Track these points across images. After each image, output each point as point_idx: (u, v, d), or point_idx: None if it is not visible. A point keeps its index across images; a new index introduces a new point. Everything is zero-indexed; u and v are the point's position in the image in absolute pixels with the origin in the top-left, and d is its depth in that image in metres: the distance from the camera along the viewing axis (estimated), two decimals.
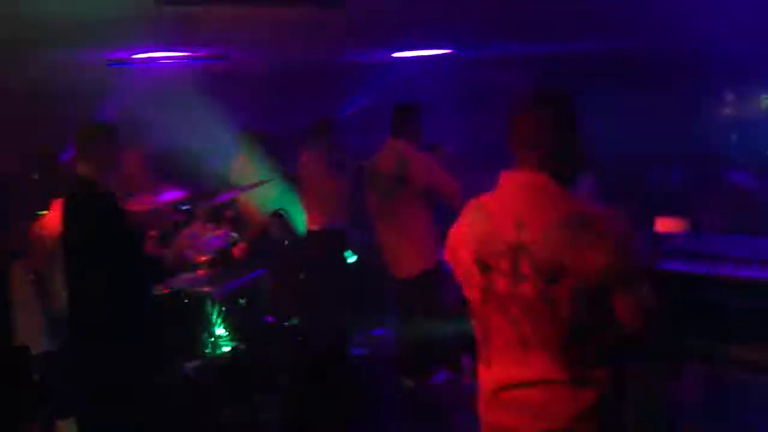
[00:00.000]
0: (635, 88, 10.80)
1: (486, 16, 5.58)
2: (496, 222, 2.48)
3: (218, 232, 6.02)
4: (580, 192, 2.65)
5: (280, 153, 7.38)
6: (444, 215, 5.58)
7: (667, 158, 8.60)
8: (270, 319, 6.18)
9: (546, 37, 7.59)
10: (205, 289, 5.52)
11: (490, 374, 2.64)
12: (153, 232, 5.39)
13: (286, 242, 6.80)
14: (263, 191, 6.66)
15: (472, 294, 2.60)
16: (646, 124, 10.18)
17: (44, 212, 5.03)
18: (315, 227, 7.07)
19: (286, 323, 6.32)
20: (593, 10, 5.62)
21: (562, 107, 2.52)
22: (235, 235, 6.10)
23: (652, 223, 3.42)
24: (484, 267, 2.49)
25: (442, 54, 8.37)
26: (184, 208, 6.11)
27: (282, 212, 7.07)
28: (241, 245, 5.94)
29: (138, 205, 5.24)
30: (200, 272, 5.67)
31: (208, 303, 5.51)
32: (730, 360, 3.13)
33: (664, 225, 3.39)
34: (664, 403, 4.00)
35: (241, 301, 5.80)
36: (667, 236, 3.37)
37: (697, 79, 12.16)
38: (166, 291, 5.28)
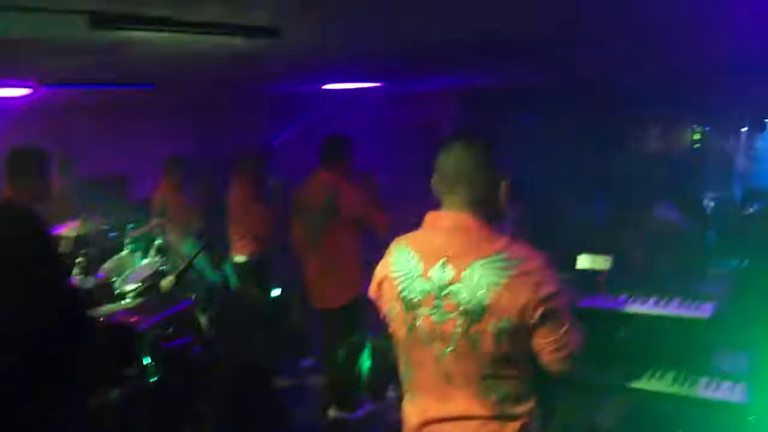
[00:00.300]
0: (558, 121, 11.02)
1: (415, 53, 5.64)
2: (421, 260, 2.52)
3: (146, 261, 5.96)
4: (509, 221, 2.72)
5: (209, 180, 7.36)
6: (370, 244, 5.67)
7: (591, 193, 8.76)
8: (197, 349, 6.12)
9: (473, 72, 7.70)
10: (132, 318, 5.44)
11: (413, 408, 2.68)
12: (79, 259, 5.32)
13: (216, 275, 6.77)
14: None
15: (396, 329, 2.64)
16: (571, 158, 10.37)
17: None
18: (240, 257, 7.06)
19: (213, 354, 6.26)
20: (519, 45, 5.73)
21: (487, 149, 2.56)
22: (161, 264, 6.04)
23: (574, 261, 3.50)
24: (409, 304, 2.53)
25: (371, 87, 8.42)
26: (111, 235, 6.04)
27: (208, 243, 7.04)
28: (169, 277, 5.89)
29: (64, 231, 5.18)
30: (127, 301, 5.60)
31: (135, 333, 5.43)
32: (651, 392, 3.21)
33: (585, 262, 3.48)
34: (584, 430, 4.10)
35: (169, 331, 5.73)
36: (589, 273, 3.46)
37: (623, 113, 12.47)
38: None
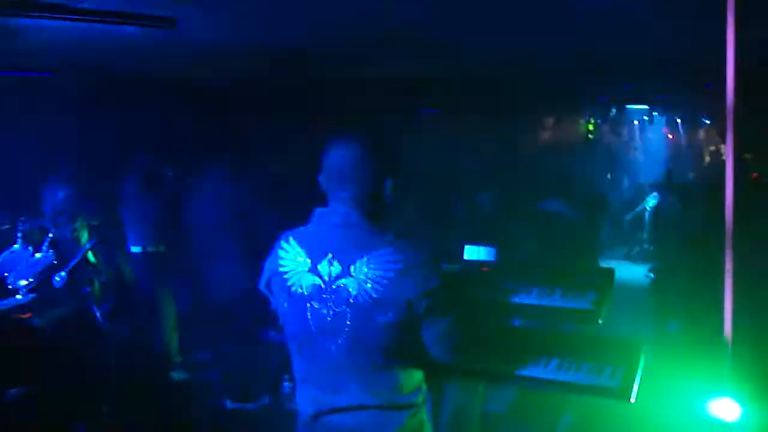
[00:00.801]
0: (452, 115, 11.16)
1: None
2: (309, 255, 2.57)
3: (38, 255, 5.85)
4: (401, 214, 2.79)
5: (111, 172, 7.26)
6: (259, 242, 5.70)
7: (480, 185, 8.93)
8: (93, 344, 6.04)
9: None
10: (25, 314, 5.35)
11: (307, 400, 2.72)
12: None
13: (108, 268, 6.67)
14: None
15: (287, 323, 2.67)
16: (461, 151, 10.53)
17: None
18: (136, 248, 7.00)
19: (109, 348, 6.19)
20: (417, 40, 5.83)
21: (375, 144, 2.60)
22: (54, 259, 5.93)
23: (461, 251, 3.58)
24: (299, 299, 2.57)
25: None
26: (4, 228, 5.92)
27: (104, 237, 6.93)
28: (61, 272, 5.79)
29: None
30: (19, 297, 5.50)
31: (29, 329, 5.34)
32: (538, 379, 3.33)
33: (472, 253, 3.56)
34: (474, 421, 4.22)
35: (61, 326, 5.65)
36: (476, 264, 3.55)
37: (514, 106, 12.69)
38: None
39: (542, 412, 4.46)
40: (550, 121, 17.19)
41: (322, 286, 2.53)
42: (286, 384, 6.03)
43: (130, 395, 5.78)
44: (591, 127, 18.21)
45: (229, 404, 6.15)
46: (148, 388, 6.02)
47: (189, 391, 6.52)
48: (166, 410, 5.92)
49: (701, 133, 19.05)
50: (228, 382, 6.28)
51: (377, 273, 2.45)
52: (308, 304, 2.56)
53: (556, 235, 6.65)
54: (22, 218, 5.91)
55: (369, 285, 2.45)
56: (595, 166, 16.28)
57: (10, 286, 5.45)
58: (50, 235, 5.94)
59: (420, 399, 2.66)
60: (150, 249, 6.95)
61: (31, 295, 5.50)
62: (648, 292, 9.98)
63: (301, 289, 2.57)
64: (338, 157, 2.58)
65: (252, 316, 5.95)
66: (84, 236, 6.30)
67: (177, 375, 6.79)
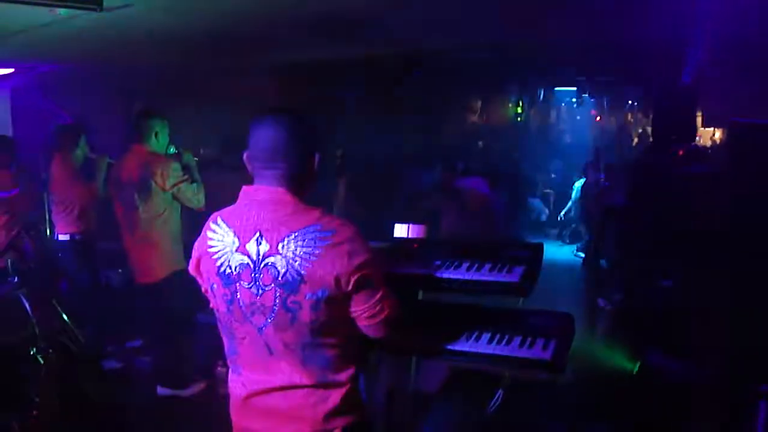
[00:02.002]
0: (386, 93, 11.17)
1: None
2: (237, 235, 2.55)
3: None
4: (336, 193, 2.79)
5: (25, 158, 7.10)
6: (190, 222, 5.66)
7: (413, 164, 8.97)
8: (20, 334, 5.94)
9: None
10: None
11: (239, 381, 2.73)
12: None
13: (37, 256, 6.55)
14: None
15: (217, 305, 2.66)
16: (394, 131, 10.55)
17: None
18: (64, 236, 6.87)
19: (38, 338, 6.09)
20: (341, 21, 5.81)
21: (301, 122, 2.61)
22: None
23: (391, 229, 3.60)
24: (228, 279, 2.56)
25: None
26: None
27: (32, 224, 6.81)
28: None
29: None
30: None
31: None
32: (470, 354, 3.35)
33: (402, 230, 3.58)
34: (407, 400, 4.25)
35: None
36: (406, 241, 3.57)
37: (447, 86, 12.77)
38: None
39: (475, 390, 4.50)
40: (477, 103, 17.32)
41: (251, 265, 2.52)
42: (219, 369, 6.00)
43: (60, 386, 5.70)
44: (519, 110, 18.42)
45: (160, 391, 6.10)
46: (80, 379, 5.93)
47: (121, 380, 6.44)
48: (98, 400, 5.84)
49: (628, 116, 19.42)
50: (159, 368, 6.21)
51: (305, 250, 2.45)
52: (237, 284, 2.55)
53: (476, 212, 6.74)
54: None
55: (297, 262, 2.45)
56: (523, 147, 16.47)
57: None
58: None
59: (352, 377, 2.67)
60: (77, 236, 6.85)
61: None
62: (578, 270, 10.16)
63: (230, 269, 2.56)
64: (264, 135, 2.57)
65: (182, 301, 5.88)
66: (11, 225, 6.20)
67: (109, 364, 6.70)
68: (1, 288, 5.62)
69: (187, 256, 2.85)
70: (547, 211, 15.13)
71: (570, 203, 14.29)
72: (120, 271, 7.58)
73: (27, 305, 5.64)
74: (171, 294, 5.89)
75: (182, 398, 6.10)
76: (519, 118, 18.51)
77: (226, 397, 2.85)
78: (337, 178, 6.99)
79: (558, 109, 19.90)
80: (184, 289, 5.70)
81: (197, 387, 6.19)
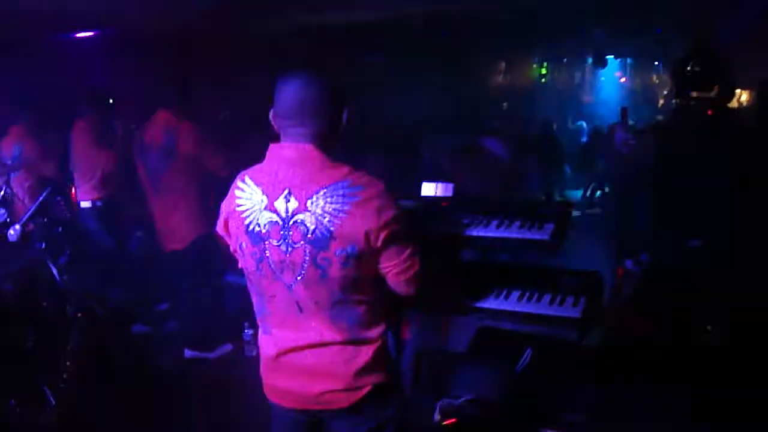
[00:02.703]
0: (407, 56, 11.10)
1: None
2: (265, 193, 2.54)
3: None
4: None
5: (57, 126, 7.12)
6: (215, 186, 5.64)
7: (437, 125, 8.91)
8: (49, 299, 5.97)
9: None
10: None
11: (269, 340, 2.73)
12: None
13: (64, 221, 6.56)
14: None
15: (246, 264, 2.66)
16: (419, 92, 10.49)
17: None
18: (87, 202, 6.89)
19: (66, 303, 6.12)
20: None
21: (327, 81, 2.59)
22: (7, 215, 5.82)
23: (419, 189, 3.58)
24: (257, 237, 2.56)
25: None
26: None
27: (58, 189, 6.81)
28: (15, 225, 5.68)
29: None
30: None
31: None
32: (499, 311, 3.34)
33: (429, 189, 3.56)
34: (437, 353, 4.25)
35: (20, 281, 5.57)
36: (434, 200, 3.55)
37: (469, 48, 12.67)
38: None
39: (503, 349, 4.48)
40: (501, 64, 17.21)
41: (280, 222, 2.51)
42: (247, 331, 6.03)
43: (90, 351, 5.74)
44: (543, 71, 18.28)
45: (188, 353, 6.14)
46: (109, 343, 5.97)
47: (148, 344, 6.49)
48: (126, 363, 5.88)
49: (653, 77, 19.22)
50: (186, 331, 6.24)
51: (334, 206, 2.44)
52: (267, 242, 2.54)
53: (493, 172, 6.69)
54: None
55: (326, 219, 2.44)
56: (548, 109, 16.36)
57: None
58: (1, 192, 5.82)
59: (382, 335, 2.67)
60: (99, 203, 6.86)
61: None
62: (606, 231, 10.07)
63: (259, 227, 2.55)
64: (290, 93, 2.56)
65: (209, 263, 5.90)
66: (38, 191, 6.20)
67: (137, 328, 6.74)
68: (28, 253, 5.64)
69: (212, 218, 2.84)
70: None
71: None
72: (139, 234, 7.58)
73: (54, 270, 5.66)
74: (197, 258, 5.92)
75: (210, 360, 6.14)
76: (543, 80, 18.37)
77: (253, 358, 2.86)
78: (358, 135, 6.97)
79: (582, 70, 19.70)
80: (210, 252, 5.74)
81: (224, 349, 6.23)
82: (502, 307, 3.25)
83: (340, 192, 2.45)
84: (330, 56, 9.37)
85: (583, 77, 19.97)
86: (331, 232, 2.44)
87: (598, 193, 13.76)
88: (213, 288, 6.04)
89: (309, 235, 2.46)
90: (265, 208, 2.53)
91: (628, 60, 18.43)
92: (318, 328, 2.60)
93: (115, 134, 6.84)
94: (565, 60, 18.46)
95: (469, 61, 13.81)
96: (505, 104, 16.10)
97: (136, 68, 8.47)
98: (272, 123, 2.63)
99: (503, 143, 7.40)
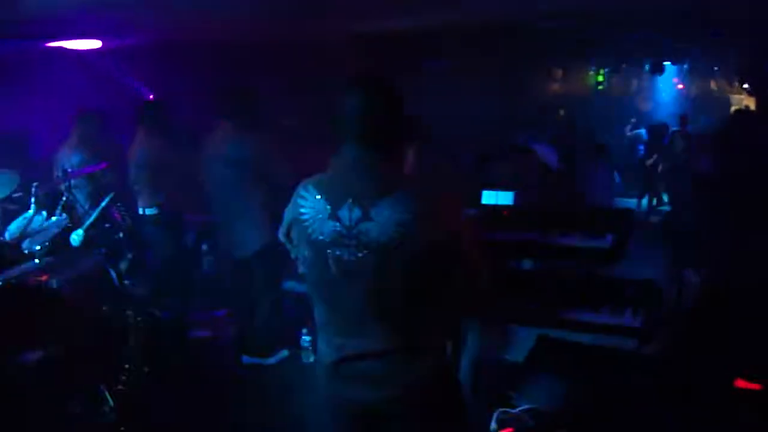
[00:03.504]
0: (466, 63, 11.07)
1: None
2: (329, 201, 2.56)
3: (53, 218, 5.85)
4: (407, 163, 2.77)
5: (116, 133, 7.22)
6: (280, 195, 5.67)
7: (494, 131, 8.90)
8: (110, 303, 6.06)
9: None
10: (42, 277, 5.36)
11: (329, 347, 2.74)
12: None
13: (125, 227, 6.65)
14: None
15: (308, 271, 2.67)
16: (471, 98, 10.46)
17: None
18: (150, 209, 6.97)
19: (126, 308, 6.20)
20: None
21: (390, 88, 2.60)
22: (69, 221, 5.92)
23: (479, 197, 3.58)
24: (320, 245, 2.57)
25: None
26: (16, 195, 5.91)
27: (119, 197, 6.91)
28: (78, 230, 5.78)
29: None
30: (35, 261, 5.50)
31: (46, 291, 5.35)
32: (556, 322, 3.33)
33: (490, 197, 3.56)
34: (495, 362, 4.24)
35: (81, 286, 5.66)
36: (494, 208, 3.54)
37: (527, 55, 12.62)
38: None
39: (563, 359, 4.44)
40: (558, 71, 17.10)
41: (343, 231, 2.51)
42: (305, 337, 6.05)
43: (148, 354, 5.81)
44: (600, 78, 18.11)
45: (245, 359, 6.18)
46: (167, 347, 6.04)
47: (206, 349, 6.54)
48: (184, 368, 5.94)
49: (712, 83, 18.93)
50: (244, 337, 6.28)
51: (399, 215, 2.44)
52: (329, 251, 2.55)
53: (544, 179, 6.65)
54: (35, 184, 5.90)
55: (390, 227, 2.44)
56: (604, 116, 16.21)
57: (26, 251, 5.44)
58: (64, 198, 5.93)
59: (442, 343, 2.67)
60: (162, 210, 6.93)
61: (48, 258, 5.50)
62: (663, 240, 9.93)
63: (322, 235, 2.56)
64: (355, 101, 2.56)
65: (270, 271, 5.93)
66: (98, 198, 6.29)
67: (195, 333, 6.81)
68: (89, 258, 5.73)
69: (276, 227, 2.87)
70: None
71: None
72: (198, 240, 7.66)
73: (114, 275, 5.75)
74: (260, 266, 5.95)
75: (267, 367, 6.17)
76: (600, 87, 18.19)
77: (310, 365, 2.88)
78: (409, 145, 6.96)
79: (639, 77, 19.45)
80: (272, 261, 5.77)
81: (282, 356, 6.26)
82: (561, 316, 3.23)
83: (405, 200, 2.45)
84: (391, 62, 9.38)
85: (640, 84, 19.72)
86: (395, 241, 2.44)
87: (655, 201, 13.60)
88: (273, 295, 6.07)
89: (373, 244, 2.47)
90: (329, 217, 2.55)
91: (685, 66, 18.15)
92: (380, 335, 2.60)
93: (176, 142, 6.91)
94: (622, 67, 18.23)
95: (527, 67, 13.75)
96: (561, 111, 15.98)
97: (197, 77, 8.58)
98: (336, 131, 2.64)
99: (554, 150, 7.36)
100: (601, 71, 18.02)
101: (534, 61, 14.30)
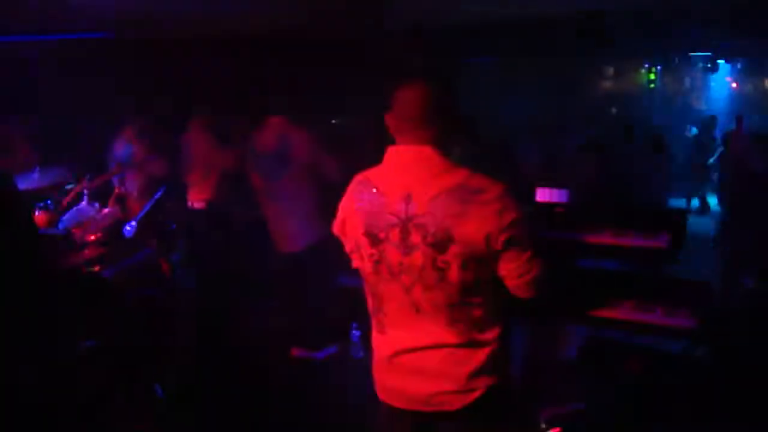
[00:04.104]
0: (518, 60, 11.02)
1: None
2: (384, 195, 2.57)
3: (105, 210, 5.92)
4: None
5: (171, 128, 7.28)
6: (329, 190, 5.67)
7: (543, 129, 8.83)
8: (161, 295, 6.12)
9: None
10: (95, 268, 5.43)
11: (384, 340, 2.75)
12: (39, 212, 5.29)
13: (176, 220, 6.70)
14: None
15: (363, 265, 2.69)
16: (529, 95, 10.40)
17: None
18: (199, 202, 7.02)
19: (177, 300, 6.26)
20: None
21: (444, 83, 2.61)
22: (122, 213, 5.99)
23: (532, 194, 3.55)
24: (375, 239, 2.58)
25: None
26: (69, 186, 5.99)
27: (173, 189, 6.96)
28: (132, 222, 5.85)
29: (24, 183, 5.12)
30: (88, 252, 5.57)
31: (99, 282, 5.42)
32: (610, 320, 3.29)
33: (543, 194, 3.53)
34: (545, 361, 4.20)
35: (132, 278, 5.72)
36: (548, 205, 3.52)
37: (576, 52, 12.51)
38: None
39: (611, 357, 4.39)
40: (610, 69, 16.95)
41: (399, 224, 2.53)
42: (355, 332, 6.06)
43: (199, 346, 5.86)
44: (652, 76, 17.91)
45: (295, 352, 6.20)
46: (217, 338, 6.09)
47: (257, 341, 6.57)
48: (234, 359, 5.98)
49: (766, 81, 18.63)
50: (295, 330, 6.30)
51: (454, 209, 2.45)
52: (385, 244, 2.57)
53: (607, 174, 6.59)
54: (88, 175, 5.97)
55: (446, 221, 2.45)
56: (657, 115, 16.04)
57: (78, 242, 5.52)
58: (116, 190, 6.00)
59: (497, 338, 2.66)
60: (211, 204, 6.98)
61: (100, 250, 5.56)
62: (716, 241, 9.79)
63: (378, 228, 2.58)
64: (410, 97, 2.58)
65: (321, 265, 5.94)
66: (153, 189, 6.35)
67: (245, 324, 6.83)
68: (142, 249, 5.79)
69: (327, 222, 2.87)
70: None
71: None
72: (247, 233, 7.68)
73: (166, 267, 5.81)
74: (310, 260, 5.96)
75: (316, 360, 6.18)
76: (652, 85, 17.99)
77: (359, 360, 2.89)
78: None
79: (692, 75, 19.19)
80: (324, 256, 5.78)
81: (331, 350, 6.27)
82: (614, 316, 3.20)
83: (460, 194, 2.46)
84: (443, 58, 9.35)
85: (693, 82, 19.47)
86: (450, 235, 2.44)
87: (709, 201, 13.44)
88: (324, 289, 6.08)
89: (428, 238, 2.48)
90: (384, 210, 2.56)
91: (739, 64, 17.88)
92: (434, 330, 2.60)
93: (228, 137, 6.95)
94: (674, 64, 18.00)
95: (578, 65, 13.64)
96: (614, 109, 15.85)
97: (246, 73, 8.62)
98: (388, 126, 2.65)
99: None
100: (653, 69, 17.82)
101: (586, 58, 14.16)
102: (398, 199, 2.53)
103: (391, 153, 2.64)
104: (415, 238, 2.49)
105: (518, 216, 2.48)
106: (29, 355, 4.22)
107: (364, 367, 2.91)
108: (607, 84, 17.07)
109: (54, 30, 6.58)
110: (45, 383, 4.21)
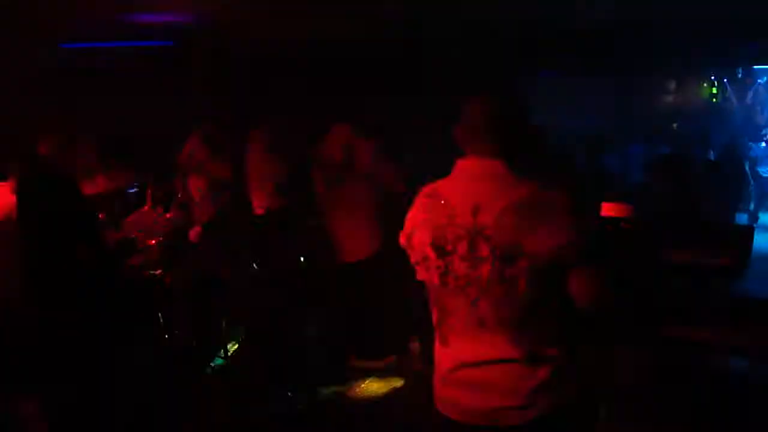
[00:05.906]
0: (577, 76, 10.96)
1: None
2: (452, 207, 2.56)
3: (168, 215, 6.00)
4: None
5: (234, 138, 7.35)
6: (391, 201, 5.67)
7: (606, 141, 8.75)
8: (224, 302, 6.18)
9: None
10: (156, 271, 5.51)
11: (447, 353, 2.73)
12: (102, 216, 5.38)
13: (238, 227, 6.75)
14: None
15: (429, 277, 2.68)
16: (590, 109, 10.33)
17: None
18: (260, 211, 7.05)
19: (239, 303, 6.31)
20: None
21: (512, 96, 2.63)
22: (184, 218, 6.06)
23: (598, 209, 3.51)
24: (441, 251, 2.58)
25: None
26: (132, 191, 6.08)
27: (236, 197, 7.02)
28: (197, 228, 5.92)
29: (88, 188, 5.21)
30: (150, 256, 5.65)
31: (160, 285, 5.50)
32: (677, 342, 3.25)
33: (609, 209, 3.48)
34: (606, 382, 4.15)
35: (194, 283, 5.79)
36: (614, 220, 3.47)
37: (637, 66, 12.40)
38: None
39: (681, 382, 4.31)
40: (672, 83, 16.76)
41: (467, 236, 2.52)
42: (414, 344, 6.06)
43: (258, 350, 5.90)
44: (714, 90, 17.66)
45: (355, 361, 6.21)
46: (277, 345, 6.13)
47: (317, 350, 6.59)
48: (289, 367, 6.01)
49: None
50: (355, 340, 6.31)
51: (523, 222, 2.43)
52: (453, 256, 2.56)
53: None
54: (152, 180, 6.06)
55: (515, 234, 2.43)
56: (720, 130, 15.81)
57: (141, 246, 5.60)
58: (179, 195, 6.08)
59: (563, 354, 2.62)
60: (272, 212, 7.01)
61: (162, 254, 5.64)
62: None
63: (445, 240, 2.57)
64: (479, 110, 2.59)
65: (383, 277, 5.94)
66: (209, 195, 6.42)
67: (306, 332, 6.86)
68: (204, 254, 5.86)
69: (389, 233, 2.88)
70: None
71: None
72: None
73: (227, 272, 5.88)
74: (372, 271, 5.96)
75: (375, 371, 6.17)
76: (714, 99, 17.72)
77: (418, 372, 2.87)
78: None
79: (756, 89, 18.87)
80: (385, 267, 5.78)
81: (390, 360, 6.26)
82: (682, 335, 3.15)
83: (530, 207, 2.44)
84: (505, 72, 9.34)
85: (755, 96, 19.15)
86: (519, 248, 2.43)
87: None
88: (384, 300, 6.08)
89: (496, 251, 2.46)
90: (453, 222, 2.55)
91: None
92: (499, 344, 2.57)
93: (290, 146, 6.98)
94: (737, 78, 17.74)
95: (640, 79, 13.52)
96: (675, 124, 15.66)
97: (311, 84, 8.68)
98: (457, 138, 2.65)
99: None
100: (715, 83, 17.56)
101: (647, 73, 14.03)
102: (467, 211, 2.52)
103: (460, 165, 2.64)
104: (483, 250, 2.48)
105: (587, 230, 2.46)
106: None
107: (422, 379, 2.89)
108: (669, 99, 16.89)
109: (125, 38, 6.69)
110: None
